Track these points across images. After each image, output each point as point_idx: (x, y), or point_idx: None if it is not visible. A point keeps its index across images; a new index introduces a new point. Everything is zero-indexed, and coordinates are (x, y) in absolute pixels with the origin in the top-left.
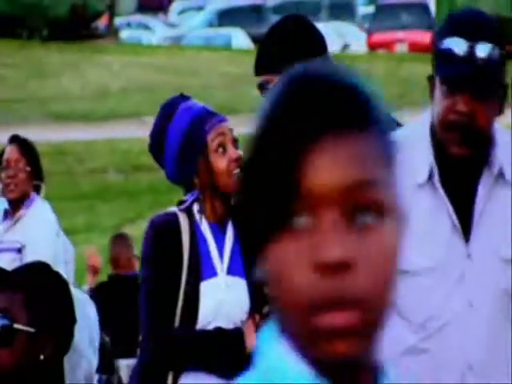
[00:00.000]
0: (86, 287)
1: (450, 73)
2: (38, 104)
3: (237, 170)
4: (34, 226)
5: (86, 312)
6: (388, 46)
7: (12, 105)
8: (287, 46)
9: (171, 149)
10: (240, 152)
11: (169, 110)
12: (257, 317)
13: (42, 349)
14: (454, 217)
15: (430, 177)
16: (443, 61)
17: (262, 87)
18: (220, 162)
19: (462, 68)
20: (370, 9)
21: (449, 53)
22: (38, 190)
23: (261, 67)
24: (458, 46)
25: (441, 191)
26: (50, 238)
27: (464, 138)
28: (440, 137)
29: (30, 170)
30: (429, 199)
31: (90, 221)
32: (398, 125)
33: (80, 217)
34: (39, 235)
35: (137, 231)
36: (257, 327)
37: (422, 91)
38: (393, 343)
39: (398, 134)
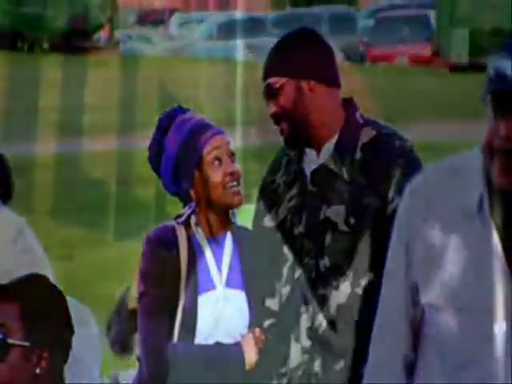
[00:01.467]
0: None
1: (498, 88)
2: (38, 116)
3: (232, 184)
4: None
5: (87, 323)
6: (388, 58)
7: (13, 117)
8: (296, 49)
9: (168, 161)
10: (237, 165)
11: (166, 122)
12: (257, 331)
13: (38, 362)
14: (502, 257)
15: (480, 207)
16: (493, 79)
17: (268, 88)
18: (215, 175)
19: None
20: (370, 22)
21: (501, 72)
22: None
23: (269, 69)
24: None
25: (490, 224)
26: (10, 247)
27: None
28: (486, 164)
29: None
30: (476, 230)
31: (91, 233)
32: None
33: (80, 229)
34: (3, 245)
35: (139, 244)
36: (257, 342)
37: (423, 104)
38: None
39: (451, 161)
